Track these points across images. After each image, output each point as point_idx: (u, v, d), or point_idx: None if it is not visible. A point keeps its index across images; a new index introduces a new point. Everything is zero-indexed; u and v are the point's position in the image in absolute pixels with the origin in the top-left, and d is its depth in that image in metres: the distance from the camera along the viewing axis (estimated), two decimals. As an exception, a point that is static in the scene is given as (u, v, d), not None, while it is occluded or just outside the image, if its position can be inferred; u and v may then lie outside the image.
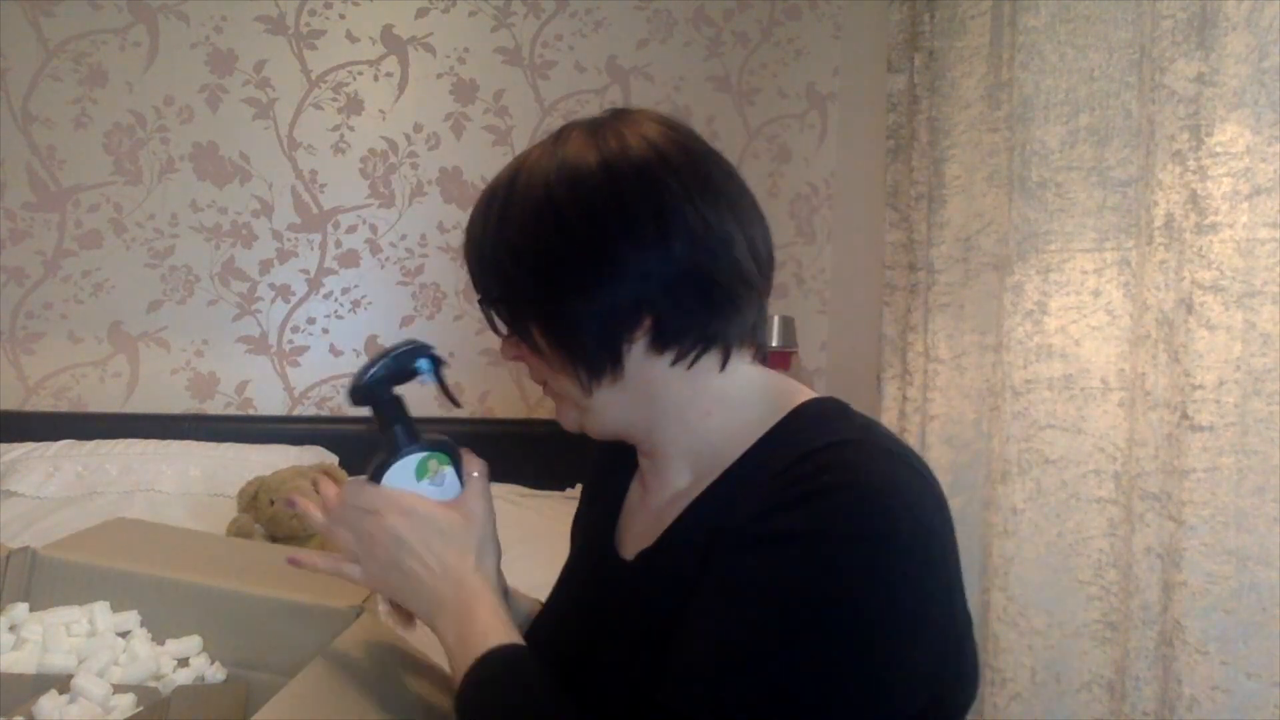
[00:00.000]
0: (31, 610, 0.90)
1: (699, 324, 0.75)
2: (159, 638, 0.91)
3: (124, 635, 0.90)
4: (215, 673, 0.89)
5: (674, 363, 0.76)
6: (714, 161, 0.79)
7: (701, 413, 0.78)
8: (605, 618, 0.81)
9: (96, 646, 0.86)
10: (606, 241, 0.73)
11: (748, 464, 0.76)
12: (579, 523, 0.98)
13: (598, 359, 0.76)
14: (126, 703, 0.81)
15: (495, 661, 0.73)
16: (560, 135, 0.78)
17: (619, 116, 0.79)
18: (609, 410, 0.79)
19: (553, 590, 0.94)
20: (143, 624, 0.92)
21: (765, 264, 0.79)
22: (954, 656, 0.71)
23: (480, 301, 0.80)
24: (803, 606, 0.64)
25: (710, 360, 0.77)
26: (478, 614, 0.76)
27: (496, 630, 0.75)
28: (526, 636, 0.87)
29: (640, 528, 0.84)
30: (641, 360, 0.76)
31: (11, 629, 0.87)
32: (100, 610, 0.90)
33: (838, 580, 0.64)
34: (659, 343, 0.75)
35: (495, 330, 0.81)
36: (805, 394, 0.81)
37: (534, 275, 0.75)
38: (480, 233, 0.79)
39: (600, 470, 0.96)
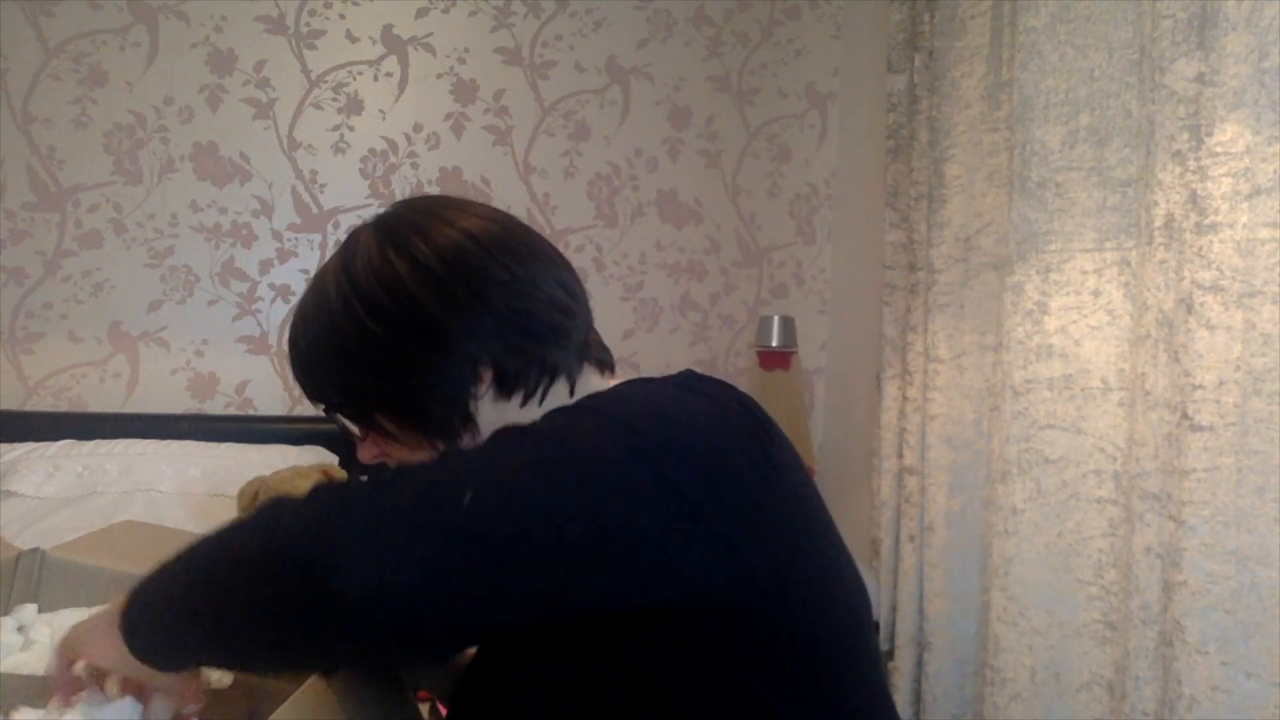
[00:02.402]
0: (40, 612, 0.91)
1: (535, 358, 0.80)
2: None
3: (131, 637, 0.90)
4: (221, 677, 0.89)
5: (524, 403, 0.81)
6: (512, 225, 0.85)
7: None
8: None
9: (104, 648, 0.86)
10: (426, 317, 0.78)
11: None
12: None
13: (449, 424, 0.80)
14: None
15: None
16: (350, 242, 0.84)
17: (407, 215, 0.84)
18: None
19: None
20: (149, 626, 0.92)
21: (577, 294, 0.85)
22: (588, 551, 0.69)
23: (325, 410, 0.85)
24: (491, 457, 0.70)
25: (559, 388, 0.82)
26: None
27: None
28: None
29: None
30: (491, 410, 0.81)
31: (19, 630, 0.87)
32: (107, 612, 0.90)
33: (535, 449, 0.69)
34: (504, 389, 0.80)
35: (347, 434, 0.86)
36: (618, 380, 0.86)
37: (367, 368, 0.80)
38: (304, 346, 0.84)
39: None
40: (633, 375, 0.88)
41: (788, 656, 0.72)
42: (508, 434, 0.72)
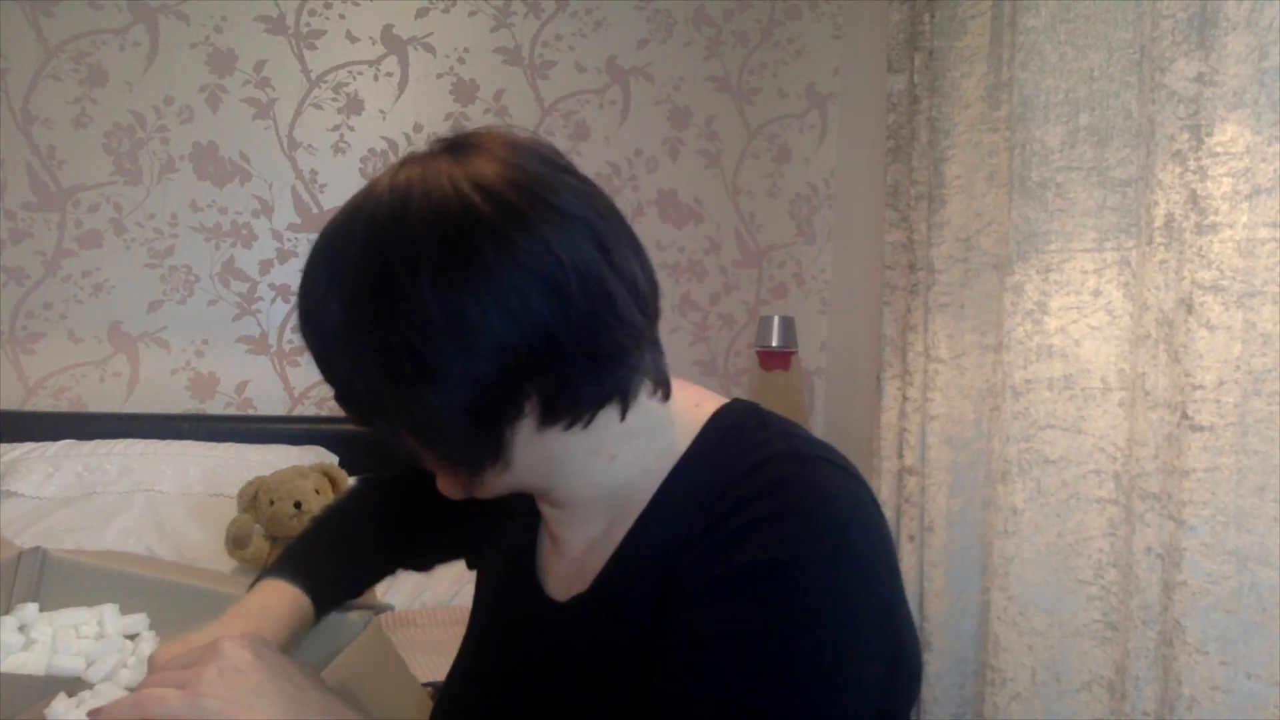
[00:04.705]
0: (41, 611, 0.90)
1: (594, 387, 0.66)
2: (167, 641, 0.91)
3: (132, 638, 0.90)
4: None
5: (568, 427, 0.67)
6: (612, 215, 0.68)
7: (606, 458, 0.71)
8: (538, 659, 0.76)
9: (105, 649, 0.86)
10: (455, 307, 0.61)
11: (670, 494, 0.71)
12: (486, 555, 0.89)
13: (473, 453, 0.66)
14: (134, 705, 0.81)
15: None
16: (422, 184, 0.65)
17: (458, 152, 0.67)
18: (499, 485, 0.71)
19: (471, 625, 0.88)
20: (151, 627, 0.92)
21: (652, 303, 0.70)
22: (899, 648, 0.69)
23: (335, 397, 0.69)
24: (772, 646, 0.61)
25: (610, 411, 0.68)
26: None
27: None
28: (447, 678, 0.86)
29: (560, 574, 0.78)
30: (531, 437, 0.67)
31: (21, 629, 0.87)
32: (109, 613, 0.90)
33: (804, 609, 0.61)
34: (549, 417, 0.66)
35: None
36: (710, 404, 0.75)
37: (369, 357, 0.63)
38: (307, 298, 0.66)
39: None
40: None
41: None
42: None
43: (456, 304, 0.61)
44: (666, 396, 0.73)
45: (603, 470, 0.71)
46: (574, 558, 0.76)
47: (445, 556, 1.00)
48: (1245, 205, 1.40)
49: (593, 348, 0.64)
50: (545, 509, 0.78)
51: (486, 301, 0.61)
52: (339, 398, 0.69)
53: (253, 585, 0.84)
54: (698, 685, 0.62)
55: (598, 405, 0.67)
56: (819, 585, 0.61)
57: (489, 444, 0.66)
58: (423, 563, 1.00)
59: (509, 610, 0.82)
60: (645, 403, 0.71)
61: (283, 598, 0.82)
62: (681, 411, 0.74)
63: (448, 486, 0.73)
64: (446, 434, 0.65)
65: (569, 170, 0.68)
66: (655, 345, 0.72)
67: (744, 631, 0.62)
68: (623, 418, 0.70)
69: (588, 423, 0.68)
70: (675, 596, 0.66)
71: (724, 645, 0.62)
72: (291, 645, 0.80)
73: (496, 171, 0.64)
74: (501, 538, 0.85)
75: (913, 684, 0.72)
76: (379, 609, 0.96)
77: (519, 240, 0.62)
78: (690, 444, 0.72)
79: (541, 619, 0.77)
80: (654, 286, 0.71)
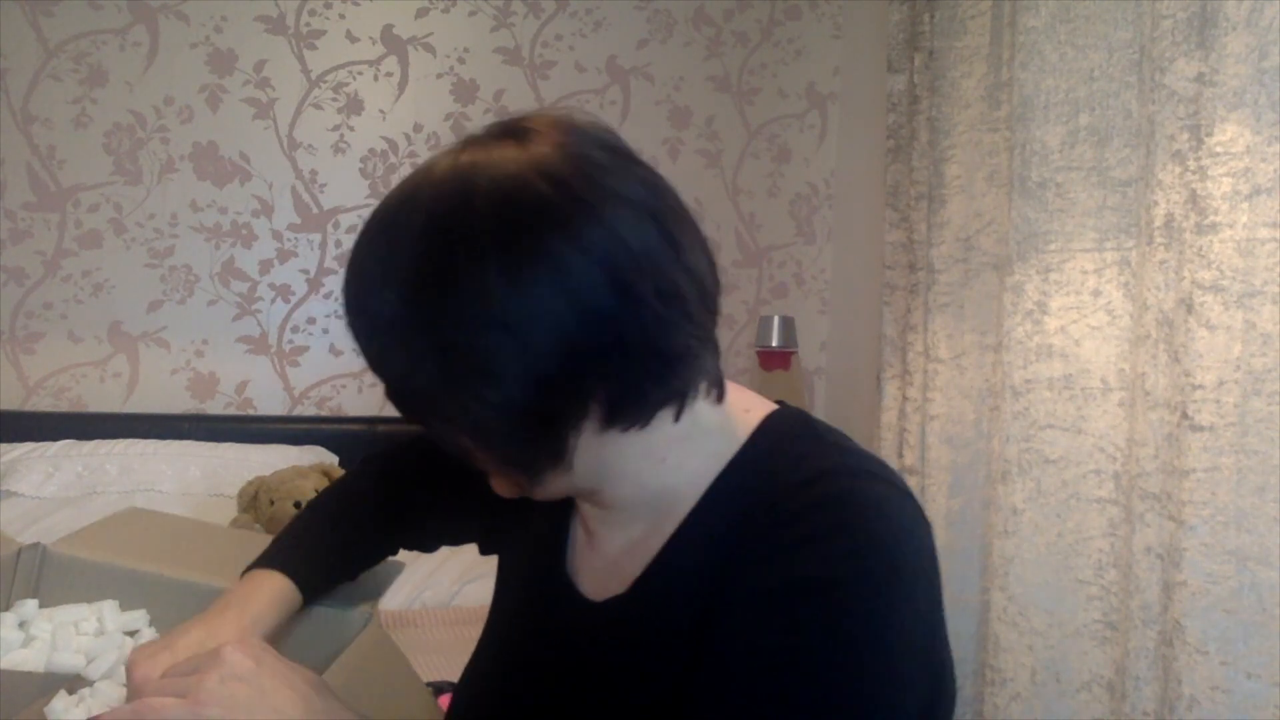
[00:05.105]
0: (40, 607, 0.90)
1: (657, 390, 0.64)
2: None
3: (132, 635, 0.90)
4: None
5: (627, 429, 0.65)
6: (678, 210, 0.65)
7: (657, 460, 0.69)
8: (568, 657, 0.75)
9: (105, 646, 0.86)
10: (522, 300, 0.58)
11: (716, 500, 0.69)
12: (509, 543, 0.86)
13: (533, 455, 0.64)
14: (134, 702, 0.81)
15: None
16: (461, 147, 0.63)
17: (519, 136, 0.63)
18: (556, 488, 0.69)
19: (491, 619, 0.85)
20: (151, 624, 0.92)
21: (715, 301, 0.67)
22: (940, 673, 0.67)
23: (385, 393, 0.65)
24: (813, 664, 0.59)
25: (665, 412, 0.66)
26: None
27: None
28: (466, 670, 0.84)
29: (595, 573, 0.76)
30: (592, 439, 0.64)
31: (20, 626, 0.87)
32: (109, 609, 0.90)
33: (849, 630, 0.60)
34: (612, 419, 0.63)
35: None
36: (760, 409, 0.73)
37: (426, 353, 0.60)
38: (359, 288, 0.63)
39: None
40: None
41: None
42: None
43: (523, 297, 0.58)
44: (720, 398, 0.71)
45: (652, 473, 0.69)
46: (611, 558, 0.74)
47: (454, 540, 0.96)
48: (1245, 205, 1.40)
49: (661, 347, 0.62)
50: (586, 507, 0.76)
51: (555, 294, 0.58)
52: (390, 394, 0.64)
53: (242, 576, 0.83)
54: (734, 695, 0.61)
55: (661, 407, 0.65)
56: (866, 606, 0.60)
57: (550, 446, 0.63)
58: (427, 544, 0.97)
59: (537, 606, 0.80)
60: (698, 404, 0.69)
61: (266, 587, 0.81)
62: (731, 415, 0.72)
63: (503, 487, 0.71)
64: (506, 436, 0.62)
65: (633, 158, 0.65)
66: (714, 345, 0.69)
67: (786, 646, 0.60)
68: (676, 419, 0.67)
69: (645, 424, 0.65)
70: (720, 606, 0.64)
71: (765, 659, 0.61)
72: (279, 635, 0.80)
73: (561, 159, 0.60)
74: (526, 528, 0.82)
75: (950, 707, 0.70)
76: (387, 577, 0.95)
77: (588, 231, 0.59)
78: (738, 450, 0.70)
79: (573, 618, 0.75)
80: (717, 283, 0.68)
